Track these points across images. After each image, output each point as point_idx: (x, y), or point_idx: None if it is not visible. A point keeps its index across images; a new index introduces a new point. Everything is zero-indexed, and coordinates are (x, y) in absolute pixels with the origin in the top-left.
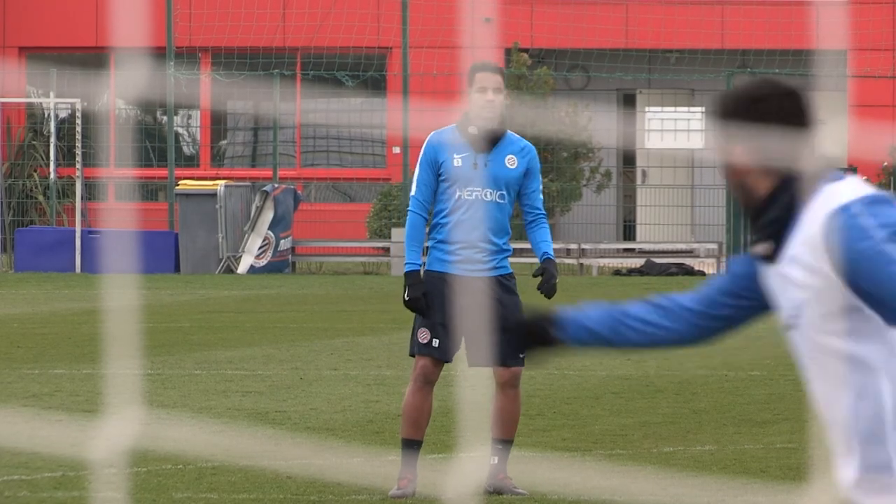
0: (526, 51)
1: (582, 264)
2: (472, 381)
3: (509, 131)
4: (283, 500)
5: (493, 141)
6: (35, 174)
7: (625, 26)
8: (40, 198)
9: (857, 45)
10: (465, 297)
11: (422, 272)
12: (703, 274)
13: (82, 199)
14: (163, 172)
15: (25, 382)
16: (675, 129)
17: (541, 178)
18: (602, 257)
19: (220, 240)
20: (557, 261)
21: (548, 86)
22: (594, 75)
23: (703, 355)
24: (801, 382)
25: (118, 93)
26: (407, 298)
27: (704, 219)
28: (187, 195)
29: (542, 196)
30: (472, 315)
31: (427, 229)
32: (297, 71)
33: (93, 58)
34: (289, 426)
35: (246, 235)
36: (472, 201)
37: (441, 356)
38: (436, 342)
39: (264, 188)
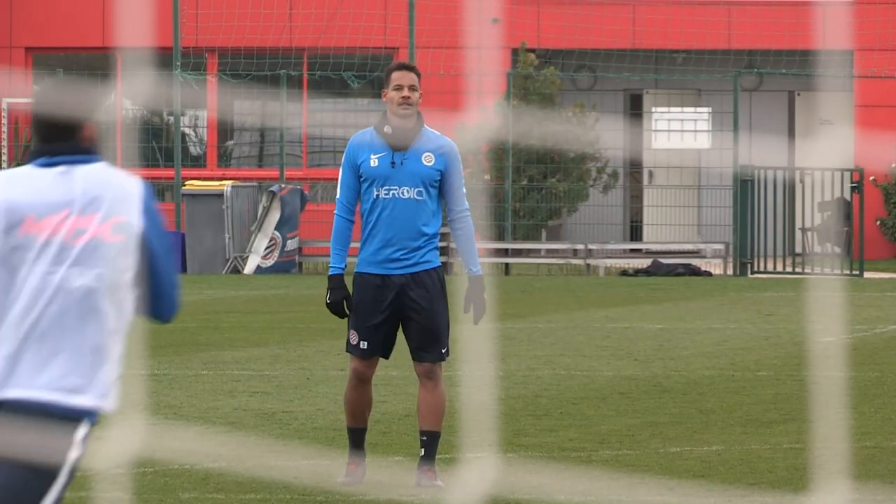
0: (533, 51)
1: (588, 265)
2: (476, 382)
3: (428, 128)
4: (290, 500)
5: (410, 139)
6: None
7: (632, 27)
8: None
9: (863, 46)
10: (382, 295)
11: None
12: (709, 274)
13: None
14: (169, 173)
15: None
16: (682, 130)
17: (462, 176)
18: (609, 258)
19: (227, 240)
20: (564, 262)
21: (555, 86)
22: (601, 75)
23: (709, 356)
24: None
25: (125, 93)
26: (328, 302)
27: (711, 219)
28: (194, 195)
29: (463, 192)
30: (384, 312)
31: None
32: (303, 71)
33: (99, 58)
34: (296, 426)
35: (253, 236)
36: (389, 199)
37: (369, 356)
38: (363, 344)
39: (271, 188)
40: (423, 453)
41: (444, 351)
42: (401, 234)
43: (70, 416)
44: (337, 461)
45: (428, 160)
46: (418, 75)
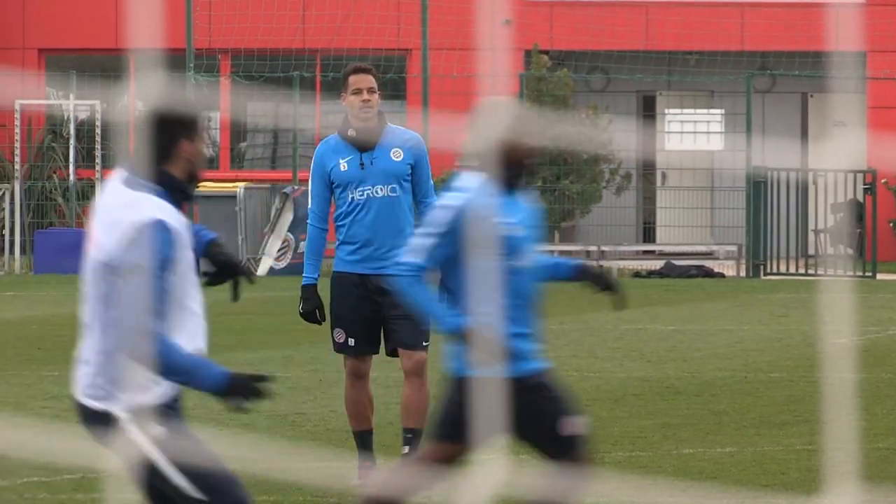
0: (546, 52)
1: (602, 266)
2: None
3: (391, 125)
4: (302, 502)
5: (376, 138)
6: (54, 176)
7: (645, 28)
8: (60, 200)
9: (876, 47)
10: (362, 293)
11: (320, 285)
12: (722, 276)
13: None
14: None
15: (45, 384)
16: (695, 131)
17: (429, 168)
18: (622, 259)
19: (240, 242)
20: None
21: (568, 87)
22: (614, 77)
23: (722, 357)
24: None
25: (138, 95)
26: (301, 311)
27: (724, 221)
28: (207, 197)
29: (432, 184)
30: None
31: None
32: (316, 73)
33: (112, 60)
34: (308, 428)
35: (266, 237)
36: (363, 200)
37: (357, 352)
38: (351, 341)
39: (284, 190)
40: (406, 451)
41: (425, 343)
42: (380, 232)
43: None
44: (350, 463)
45: (397, 155)
46: (376, 77)
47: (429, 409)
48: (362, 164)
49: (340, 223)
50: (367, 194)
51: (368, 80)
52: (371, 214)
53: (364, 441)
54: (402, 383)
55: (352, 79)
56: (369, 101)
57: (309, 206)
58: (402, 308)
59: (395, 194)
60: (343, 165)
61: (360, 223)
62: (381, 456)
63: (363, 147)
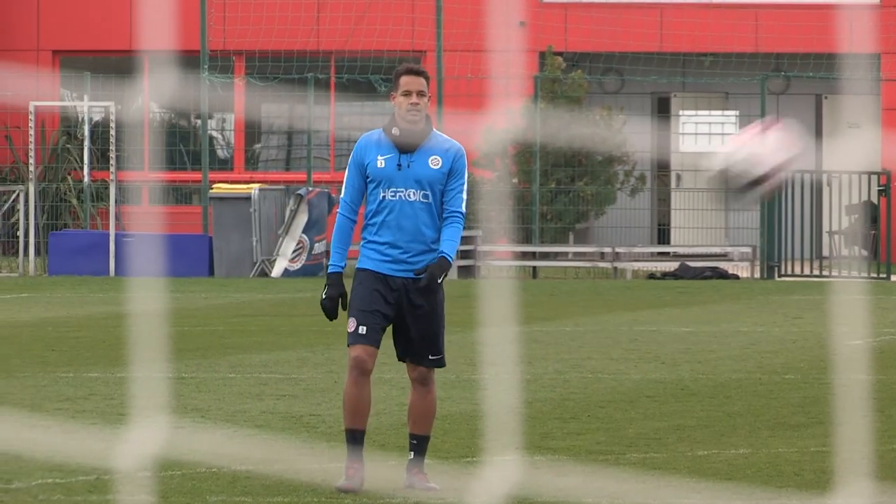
0: (560, 54)
1: (616, 268)
2: (500, 385)
3: (436, 131)
4: (317, 503)
5: (418, 141)
6: (69, 178)
7: (659, 30)
8: (74, 201)
9: (890, 49)
10: (384, 288)
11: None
12: (736, 277)
13: (116, 202)
14: (197, 176)
15: (60, 386)
16: (710, 133)
17: (465, 181)
18: (636, 261)
19: (255, 243)
20: (591, 265)
21: (582, 89)
22: (628, 79)
23: (737, 359)
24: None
25: (152, 96)
26: (323, 297)
27: (739, 222)
28: (221, 199)
29: (462, 197)
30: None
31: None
32: (331, 74)
33: (127, 61)
34: (323, 429)
35: (280, 239)
36: (395, 202)
37: (368, 342)
38: (362, 329)
39: (298, 191)
40: (412, 456)
41: (442, 357)
42: (406, 236)
43: None
44: (364, 464)
45: (435, 163)
46: (427, 79)
47: (434, 415)
48: (399, 165)
49: (370, 221)
50: (400, 196)
51: (419, 83)
52: (401, 217)
53: (355, 440)
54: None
55: (403, 79)
56: (418, 104)
57: (341, 195)
58: (422, 318)
59: (427, 201)
60: (381, 162)
61: (389, 224)
62: (395, 458)
63: (404, 148)
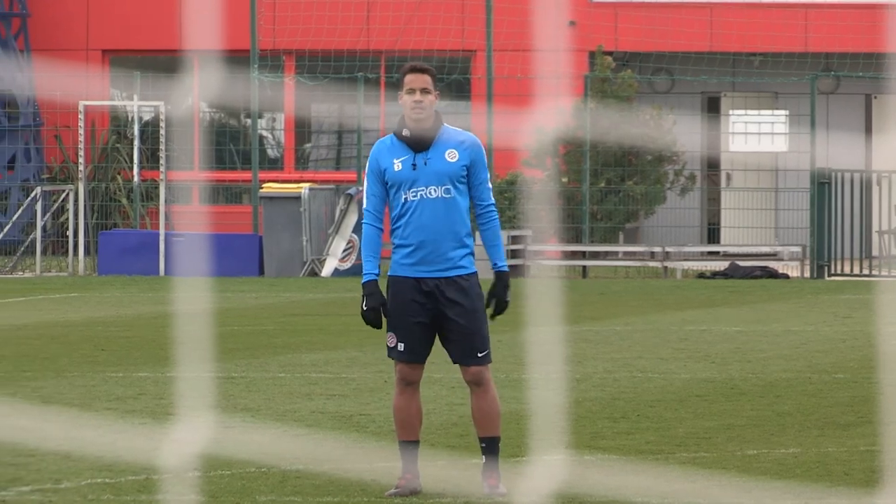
0: (610, 54)
1: (666, 267)
2: (549, 384)
3: (447, 126)
4: (367, 503)
5: (430, 138)
6: (119, 177)
7: (709, 29)
8: (124, 201)
9: None
10: (417, 297)
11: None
12: (786, 277)
13: (166, 202)
14: (247, 175)
15: (109, 385)
16: (759, 133)
17: (487, 170)
18: (686, 260)
19: (305, 243)
20: (641, 264)
21: (632, 89)
22: (678, 78)
23: (787, 358)
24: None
25: (201, 96)
26: (364, 309)
27: (788, 222)
28: (271, 198)
29: (489, 187)
30: (420, 314)
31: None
32: (381, 74)
33: (176, 61)
34: (373, 429)
35: (330, 238)
36: (417, 202)
37: (408, 359)
38: (401, 346)
39: (348, 191)
40: (484, 460)
41: (489, 352)
42: (433, 234)
43: None
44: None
45: (451, 156)
46: (432, 76)
47: (499, 414)
48: (415, 165)
49: (395, 225)
50: (421, 195)
51: (422, 80)
52: (424, 216)
53: (408, 451)
54: (463, 384)
55: (406, 78)
56: (421, 101)
57: (364, 205)
58: (460, 318)
59: (449, 195)
60: (397, 165)
61: (414, 225)
62: (444, 458)
63: (417, 147)
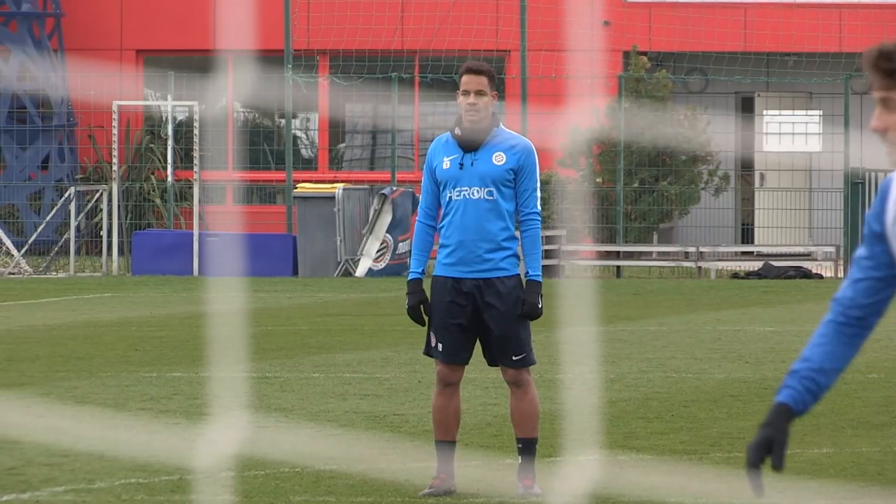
0: (645, 54)
1: (700, 267)
2: (583, 384)
3: (503, 128)
4: (401, 503)
5: (481, 139)
6: (152, 177)
7: (743, 29)
8: (157, 201)
9: None
10: (457, 298)
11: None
12: (820, 277)
13: (200, 202)
14: (281, 175)
15: (143, 385)
16: (793, 133)
17: (537, 178)
18: (720, 260)
19: (339, 243)
20: (675, 264)
21: (666, 89)
22: (712, 78)
23: None
24: None
25: (235, 96)
26: (408, 306)
27: (822, 222)
28: (305, 198)
29: (537, 196)
30: (459, 315)
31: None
32: (415, 74)
33: (210, 61)
34: (407, 429)
35: (364, 238)
36: (460, 201)
37: (446, 359)
38: (440, 346)
39: (382, 191)
40: (520, 461)
41: (526, 356)
42: (472, 235)
43: None
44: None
45: (499, 159)
46: (489, 77)
47: (537, 416)
48: (462, 164)
49: (440, 224)
50: (464, 195)
51: (477, 82)
52: (465, 216)
53: (444, 451)
54: (497, 383)
55: (463, 79)
56: (475, 104)
57: (420, 202)
58: (499, 320)
59: (491, 198)
60: (446, 163)
61: (455, 224)
62: (478, 457)
63: (467, 147)
